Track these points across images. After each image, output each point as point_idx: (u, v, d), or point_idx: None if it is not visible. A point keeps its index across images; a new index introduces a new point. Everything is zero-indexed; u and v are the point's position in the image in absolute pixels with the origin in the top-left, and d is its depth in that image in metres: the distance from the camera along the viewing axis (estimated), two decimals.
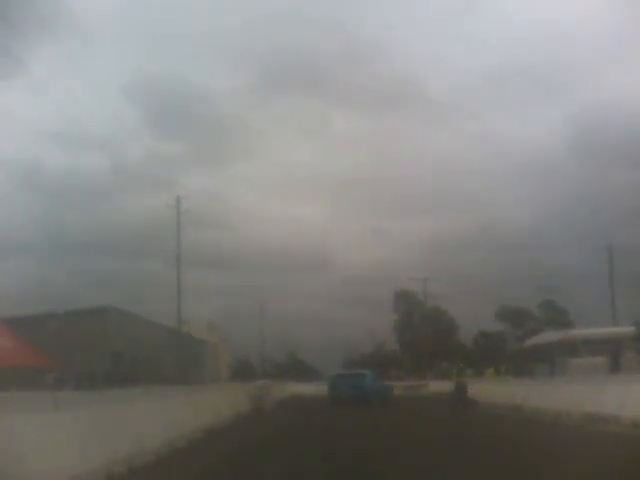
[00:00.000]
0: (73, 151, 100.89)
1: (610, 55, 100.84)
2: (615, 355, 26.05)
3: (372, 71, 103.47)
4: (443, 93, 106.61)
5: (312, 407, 28.43)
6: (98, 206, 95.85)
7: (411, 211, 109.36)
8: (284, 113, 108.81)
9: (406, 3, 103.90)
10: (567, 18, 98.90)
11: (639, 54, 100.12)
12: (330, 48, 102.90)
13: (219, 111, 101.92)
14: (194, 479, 9.61)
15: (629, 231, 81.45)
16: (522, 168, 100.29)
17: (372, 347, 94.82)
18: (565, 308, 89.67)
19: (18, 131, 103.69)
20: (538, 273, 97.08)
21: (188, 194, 47.55)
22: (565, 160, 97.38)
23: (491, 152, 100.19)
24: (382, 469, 9.64)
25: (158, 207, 78.90)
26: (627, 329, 30.44)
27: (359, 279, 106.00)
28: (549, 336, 30.34)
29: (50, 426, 7.43)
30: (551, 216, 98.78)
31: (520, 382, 24.92)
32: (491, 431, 16.25)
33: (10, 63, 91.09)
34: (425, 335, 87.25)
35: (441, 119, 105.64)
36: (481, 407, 25.34)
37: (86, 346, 46.87)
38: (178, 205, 46.05)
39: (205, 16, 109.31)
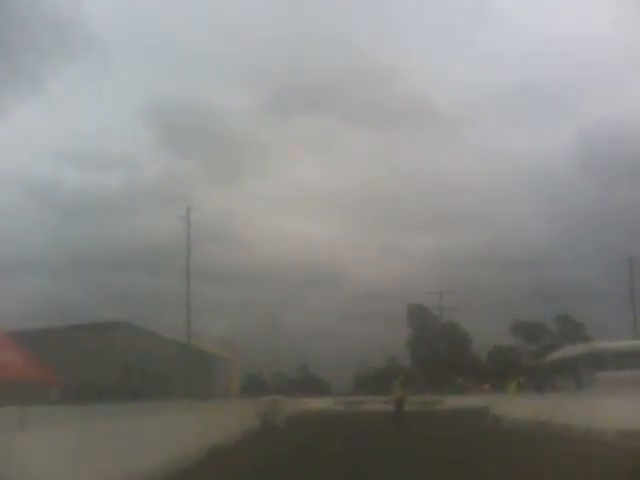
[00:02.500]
0: (89, 169, 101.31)
1: (621, 73, 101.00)
2: None
3: (384, 89, 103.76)
4: (455, 110, 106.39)
5: (324, 423, 26.99)
6: (113, 223, 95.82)
7: (424, 227, 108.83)
8: (297, 131, 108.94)
9: (417, 22, 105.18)
10: (577, 35, 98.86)
11: None
12: (342, 67, 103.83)
13: (233, 129, 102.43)
14: None
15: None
16: (535, 184, 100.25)
17: (384, 362, 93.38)
18: (581, 322, 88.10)
19: (35, 149, 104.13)
20: (551, 288, 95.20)
21: (199, 207, 46.46)
22: (577, 176, 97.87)
23: (503, 168, 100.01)
24: None
25: (172, 224, 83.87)
26: None
27: (372, 295, 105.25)
28: (574, 349, 28.69)
29: (16, 447, 6.16)
30: (563, 231, 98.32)
31: (546, 397, 23.33)
32: (516, 448, 14.81)
33: (30, 82, 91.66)
34: (440, 350, 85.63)
35: (453, 136, 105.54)
36: (503, 423, 23.80)
37: (96, 360, 45.72)
38: (188, 216, 45.04)
39: (220, 35, 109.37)
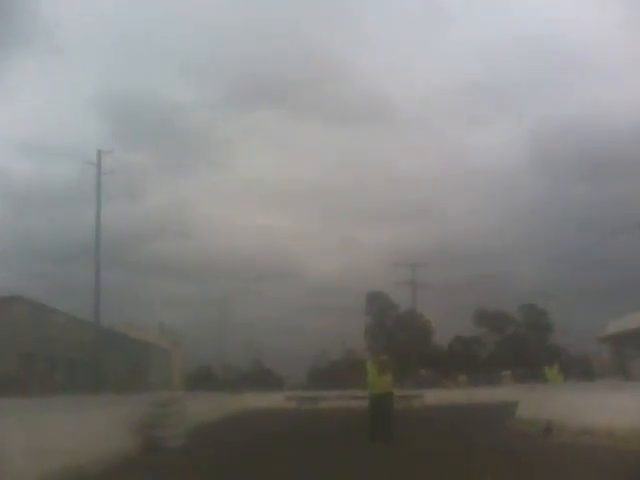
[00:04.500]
0: (40, 160, 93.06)
1: (571, 72, 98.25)
2: None
3: (340, 86, 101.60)
4: (409, 107, 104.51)
5: (258, 439, 15.50)
6: (64, 215, 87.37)
7: (379, 220, 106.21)
8: (253, 126, 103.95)
9: (374, 21, 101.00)
10: (529, 34, 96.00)
11: (598, 73, 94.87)
12: (298, 62, 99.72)
13: (187, 122, 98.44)
14: None
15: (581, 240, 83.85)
16: (487, 179, 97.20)
17: (342, 355, 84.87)
18: (545, 310, 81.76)
19: None
20: (506, 281, 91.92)
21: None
22: (527, 171, 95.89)
23: (456, 163, 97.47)
24: None
25: (124, 217, 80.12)
26: None
27: (328, 288, 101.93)
28: None
29: None
30: (514, 224, 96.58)
31: None
32: None
33: None
34: (400, 339, 76.62)
35: (407, 132, 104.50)
36: (567, 437, 13.37)
37: None
38: (99, 162, 33.45)
39: (175, 30, 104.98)
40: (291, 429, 17.23)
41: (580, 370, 22.28)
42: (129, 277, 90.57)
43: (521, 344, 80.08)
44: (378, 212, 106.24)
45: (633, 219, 78.05)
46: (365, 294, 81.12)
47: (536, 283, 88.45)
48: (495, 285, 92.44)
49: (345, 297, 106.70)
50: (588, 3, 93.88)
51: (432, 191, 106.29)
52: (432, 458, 10.67)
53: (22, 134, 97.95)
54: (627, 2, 78.29)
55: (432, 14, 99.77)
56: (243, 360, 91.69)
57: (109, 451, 9.89)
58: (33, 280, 76.50)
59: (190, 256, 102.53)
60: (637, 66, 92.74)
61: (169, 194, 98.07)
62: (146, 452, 10.91)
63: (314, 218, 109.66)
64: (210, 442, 13.33)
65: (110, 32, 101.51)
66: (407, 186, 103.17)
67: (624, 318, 24.33)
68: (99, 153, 33.30)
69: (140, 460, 10.26)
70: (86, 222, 78.27)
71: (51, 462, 7.43)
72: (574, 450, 11.89)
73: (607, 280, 79.63)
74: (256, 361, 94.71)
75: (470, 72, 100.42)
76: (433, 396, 33.71)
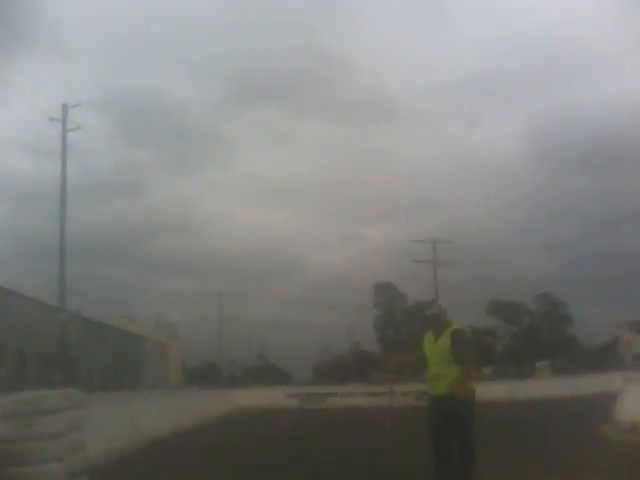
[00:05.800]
0: (43, 158, 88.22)
1: (570, 64, 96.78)
2: None
3: (341, 82, 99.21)
4: (409, 102, 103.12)
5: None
6: (68, 213, 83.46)
7: (379, 215, 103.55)
8: (254, 123, 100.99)
9: (375, 17, 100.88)
10: (527, 27, 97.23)
11: (597, 66, 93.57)
12: (300, 59, 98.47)
13: (190, 120, 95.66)
14: None
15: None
16: (487, 172, 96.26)
17: (348, 348, 79.95)
18: (561, 301, 76.90)
19: None
20: (509, 273, 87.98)
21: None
22: (528, 163, 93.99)
23: (457, 157, 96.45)
24: None
25: (126, 214, 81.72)
26: None
27: (331, 283, 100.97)
28: None
29: None
30: (515, 216, 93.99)
31: None
32: None
33: None
34: (410, 332, 71.17)
35: (407, 127, 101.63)
36: None
37: None
38: (64, 118, 28.02)
39: (176, 28, 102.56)
40: (280, 460, 10.11)
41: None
42: (132, 273, 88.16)
43: (538, 335, 75.11)
44: (380, 207, 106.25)
45: (634, 211, 75.51)
46: (369, 288, 76.68)
47: (538, 275, 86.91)
48: (499, 277, 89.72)
49: (348, 292, 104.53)
50: None
51: (433, 186, 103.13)
52: None
53: (24, 132, 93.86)
54: None
55: (432, 10, 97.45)
56: (248, 355, 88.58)
57: None
58: (36, 278, 72.67)
59: (193, 252, 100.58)
60: (635, 58, 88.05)
61: (171, 191, 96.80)
62: None
63: (316, 214, 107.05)
64: None
65: (112, 30, 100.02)
66: (408, 181, 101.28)
67: None
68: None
69: None
70: (86, 220, 74.52)
71: None
72: None
73: (610, 271, 79.98)
74: (261, 356, 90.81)
75: (470, 67, 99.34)
76: None
